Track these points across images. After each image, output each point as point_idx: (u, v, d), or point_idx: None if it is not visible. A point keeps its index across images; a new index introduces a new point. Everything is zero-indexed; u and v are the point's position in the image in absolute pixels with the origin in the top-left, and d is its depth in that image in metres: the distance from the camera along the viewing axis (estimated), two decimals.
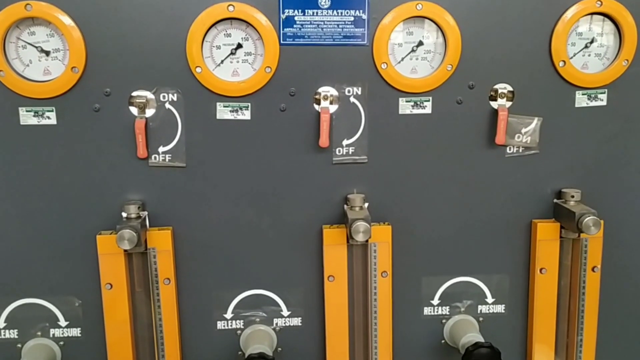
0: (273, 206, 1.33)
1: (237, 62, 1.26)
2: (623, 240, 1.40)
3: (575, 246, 1.37)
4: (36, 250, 1.30)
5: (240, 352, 1.37)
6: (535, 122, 1.33)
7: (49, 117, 1.24)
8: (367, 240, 1.31)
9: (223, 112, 1.28)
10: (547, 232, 1.36)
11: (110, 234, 1.27)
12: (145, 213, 1.29)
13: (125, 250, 1.28)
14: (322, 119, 1.27)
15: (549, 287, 1.38)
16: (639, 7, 1.30)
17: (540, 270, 1.37)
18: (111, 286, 1.29)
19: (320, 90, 1.28)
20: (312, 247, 1.35)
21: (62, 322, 1.33)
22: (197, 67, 1.24)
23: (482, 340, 1.31)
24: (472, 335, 1.34)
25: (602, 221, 1.30)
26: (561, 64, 1.30)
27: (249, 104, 1.28)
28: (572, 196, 1.34)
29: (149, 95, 1.25)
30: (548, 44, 1.30)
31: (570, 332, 1.41)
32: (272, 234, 1.34)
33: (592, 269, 1.37)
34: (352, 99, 1.30)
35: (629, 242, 1.40)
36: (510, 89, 1.31)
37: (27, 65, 1.23)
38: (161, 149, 1.28)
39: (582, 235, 1.35)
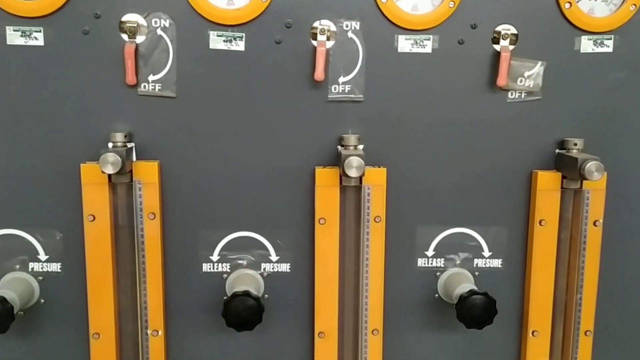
0: (265, 143, 1.29)
1: None
2: (627, 195, 1.35)
3: (576, 198, 1.32)
4: (17, 178, 1.26)
5: (225, 297, 1.31)
6: (538, 66, 1.28)
7: (36, 38, 1.21)
8: (360, 181, 1.27)
9: (216, 41, 1.24)
10: (547, 182, 1.31)
11: (95, 163, 1.22)
12: (132, 144, 1.25)
13: (109, 181, 1.23)
14: (318, 51, 1.23)
15: (548, 240, 1.32)
16: None
17: (540, 222, 1.32)
18: (94, 218, 1.24)
19: (317, 24, 1.24)
20: (304, 189, 1.30)
21: (42, 256, 1.29)
22: None
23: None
24: (467, 285, 1.28)
25: (605, 173, 1.25)
26: (567, 5, 1.26)
27: (244, 34, 1.24)
28: (575, 144, 1.29)
29: (140, 20, 1.22)
30: None
31: (570, 290, 1.35)
32: (262, 173, 1.30)
33: (594, 223, 1.32)
34: (349, 34, 1.26)
35: (633, 196, 1.35)
36: (514, 31, 1.27)
37: None
38: (151, 78, 1.24)
39: (584, 186, 1.30)
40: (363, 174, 1.19)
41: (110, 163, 1.14)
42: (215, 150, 1.28)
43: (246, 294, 1.20)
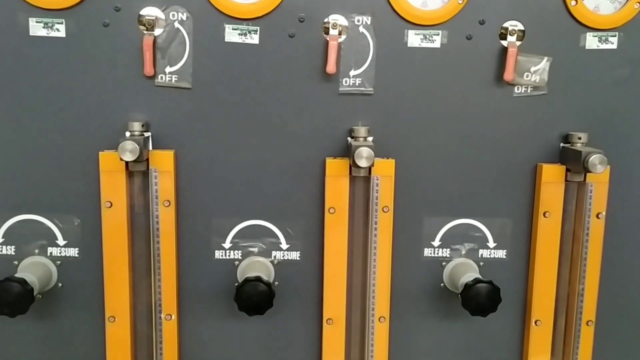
0: (277, 134, 1.32)
1: None
2: (630, 189, 1.38)
3: (580, 191, 1.36)
4: (37, 166, 1.30)
5: (237, 284, 1.35)
6: (544, 61, 1.32)
7: (58, 30, 1.25)
8: (369, 172, 1.31)
9: (231, 34, 1.28)
10: (552, 175, 1.34)
11: (114, 152, 1.26)
12: (149, 134, 1.29)
13: (126, 169, 1.28)
14: (330, 45, 1.26)
15: (552, 232, 1.36)
16: None
17: (544, 213, 1.35)
18: (111, 204, 1.28)
19: (329, 18, 1.28)
20: (314, 179, 1.34)
21: (61, 241, 1.33)
22: None
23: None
24: (472, 274, 1.32)
25: (608, 167, 1.29)
26: (573, 3, 1.29)
27: (258, 28, 1.28)
28: (579, 138, 1.32)
29: (159, 13, 1.26)
30: None
31: (572, 281, 1.39)
32: (274, 163, 1.33)
33: (597, 216, 1.35)
34: (361, 29, 1.29)
35: (635, 190, 1.38)
36: (521, 27, 1.31)
37: None
38: (168, 69, 1.28)
39: (588, 179, 1.33)
40: (372, 165, 1.23)
41: (129, 150, 1.18)
42: (229, 141, 1.32)
43: (258, 279, 1.24)
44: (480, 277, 1.30)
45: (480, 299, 1.26)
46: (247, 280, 1.24)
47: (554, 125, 1.35)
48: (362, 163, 1.22)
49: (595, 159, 1.24)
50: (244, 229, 1.36)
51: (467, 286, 1.26)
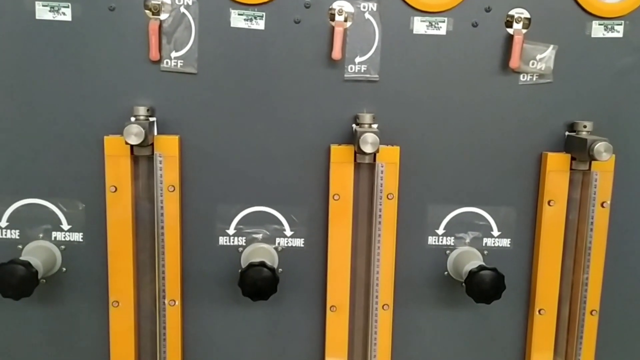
0: (282, 120, 1.32)
1: None
2: (635, 178, 1.38)
3: (585, 180, 1.36)
4: (42, 150, 1.30)
5: (240, 270, 1.35)
6: (550, 49, 1.32)
7: (64, 14, 1.25)
8: (374, 159, 1.31)
9: (237, 20, 1.28)
10: (557, 163, 1.34)
11: (119, 136, 1.26)
12: (154, 119, 1.29)
13: (131, 153, 1.28)
14: (336, 31, 1.26)
15: (556, 220, 1.36)
16: None
17: (549, 202, 1.35)
18: (115, 189, 1.28)
19: (335, 4, 1.28)
20: (319, 166, 1.34)
21: (65, 226, 1.33)
22: None
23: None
24: (476, 262, 1.32)
25: (613, 155, 1.28)
26: None
27: (264, 13, 1.28)
28: (585, 126, 1.32)
29: None
30: None
31: (576, 270, 1.39)
32: (279, 150, 1.33)
33: (602, 205, 1.35)
34: (366, 15, 1.29)
35: None
36: (527, 15, 1.31)
37: None
38: (173, 54, 1.28)
39: (593, 168, 1.33)
40: (377, 151, 1.23)
41: (134, 134, 1.18)
42: (234, 126, 1.32)
43: (262, 264, 1.24)
44: (484, 264, 1.30)
45: (484, 286, 1.26)
46: (251, 265, 1.24)
47: (559, 113, 1.35)
48: (367, 149, 1.22)
49: (600, 146, 1.24)
50: (248, 215, 1.36)
51: (472, 273, 1.26)
